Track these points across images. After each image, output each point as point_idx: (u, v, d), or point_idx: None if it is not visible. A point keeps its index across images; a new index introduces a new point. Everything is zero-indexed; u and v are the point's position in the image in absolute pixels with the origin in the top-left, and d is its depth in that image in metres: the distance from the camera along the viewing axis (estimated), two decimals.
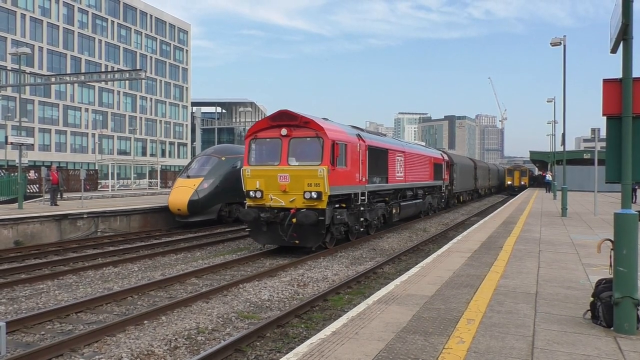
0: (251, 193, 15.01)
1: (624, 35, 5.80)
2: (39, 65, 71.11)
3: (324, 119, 16.33)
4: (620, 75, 5.96)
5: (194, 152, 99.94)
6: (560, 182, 35.49)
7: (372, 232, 19.12)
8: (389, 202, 20.30)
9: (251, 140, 15.40)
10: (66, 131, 77.27)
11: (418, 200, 24.72)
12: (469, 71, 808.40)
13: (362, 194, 16.76)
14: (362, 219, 17.20)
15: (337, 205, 15.42)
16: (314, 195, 14.22)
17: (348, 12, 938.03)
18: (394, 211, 20.67)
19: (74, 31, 77.57)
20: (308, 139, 14.68)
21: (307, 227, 14.43)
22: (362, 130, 18.65)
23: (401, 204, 21.76)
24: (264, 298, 10.23)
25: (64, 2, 75.75)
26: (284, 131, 14.71)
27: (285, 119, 14.90)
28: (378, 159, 18.48)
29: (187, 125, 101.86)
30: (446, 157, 32.10)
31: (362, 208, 16.95)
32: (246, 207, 15.27)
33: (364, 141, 17.11)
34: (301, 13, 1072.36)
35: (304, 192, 14.32)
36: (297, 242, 14.82)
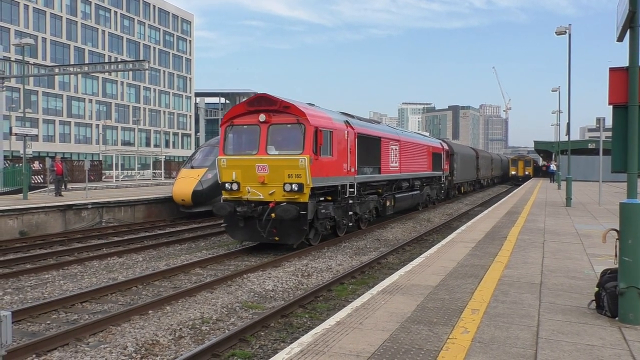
0: (227, 185, 13.84)
1: (630, 23, 5.75)
2: (42, 56, 71.09)
3: (309, 104, 15.07)
4: (626, 64, 5.91)
5: (198, 142, 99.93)
6: (564, 172, 35.38)
7: (363, 226, 18.09)
8: (382, 194, 19.17)
9: (227, 127, 14.19)
10: (70, 122, 77.38)
11: (415, 192, 23.66)
12: (473, 61, 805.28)
13: (351, 186, 15.64)
14: (351, 213, 16.12)
15: (322, 199, 14.38)
16: (295, 187, 13.05)
17: (349, 2, 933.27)
18: (387, 204, 19.58)
19: (77, 22, 77.45)
20: (288, 125, 13.50)
21: (288, 223, 13.27)
22: (352, 116, 17.33)
23: (396, 195, 20.65)
24: (268, 288, 10.26)
25: None
26: (262, 117, 13.51)
27: (264, 104, 13.66)
28: (369, 147, 17.35)
29: (190, 115, 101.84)
30: (446, 147, 31.23)
31: (350, 201, 15.92)
32: (222, 200, 14.13)
33: (353, 128, 15.90)
34: (302, 3, 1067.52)
35: (284, 184, 13.17)
36: (276, 238, 13.69)
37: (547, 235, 13.14)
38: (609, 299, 6.12)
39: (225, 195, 14.09)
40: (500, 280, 8.04)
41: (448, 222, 21.55)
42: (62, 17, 75.14)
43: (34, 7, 71.07)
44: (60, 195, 24.10)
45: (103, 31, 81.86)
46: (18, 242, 16.14)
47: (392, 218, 21.72)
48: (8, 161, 35.05)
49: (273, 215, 13.17)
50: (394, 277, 8.40)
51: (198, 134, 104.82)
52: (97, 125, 79.38)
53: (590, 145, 51.21)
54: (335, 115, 15.77)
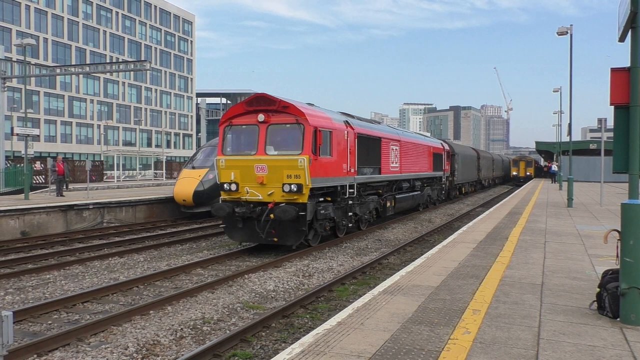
0: (225, 186, 13.71)
1: (632, 24, 5.75)
2: (44, 57, 71.14)
3: (308, 104, 14.97)
4: (628, 64, 5.91)
5: (199, 143, 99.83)
6: (566, 172, 35.35)
7: (363, 227, 17.92)
8: (382, 195, 19.05)
9: (226, 127, 14.07)
10: (72, 122, 77.43)
11: (415, 193, 23.58)
12: (474, 61, 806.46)
13: (351, 187, 15.52)
14: (350, 214, 15.98)
15: (321, 199, 14.26)
16: (294, 188, 12.93)
17: (351, 3, 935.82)
18: (388, 204, 19.43)
19: (78, 22, 77.52)
20: (287, 125, 13.38)
21: (287, 224, 13.15)
22: (351, 116, 17.21)
23: (396, 196, 20.53)
24: (269, 288, 10.26)
25: None
26: (261, 117, 13.37)
27: (263, 104, 13.54)
28: (369, 148, 17.23)
29: (192, 116, 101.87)
30: (447, 147, 31.10)
31: (350, 202, 15.76)
32: (220, 201, 14.05)
33: (353, 128, 15.75)
34: (303, 4, 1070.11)
35: (283, 184, 13.04)
36: (275, 239, 13.57)
37: (548, 236, 13.12)
38: (611, 300, 6.11)
39: (223, 196, 13.98)
40: (501, 281, 8.04)
41: (449, 223, 21.53)
42: (63, 17, 75.18)
43: (35, 8, 71.12)
44: (62, 195, 24.12)
45: (104, 31, 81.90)
46: (19, 242, 16.16)
47: (392, 219, 21.70)
48: (10, 161, 35.08)
49: (272, 216, 13.04)
50: (395, 277, 8.40)
51: (199, 134, 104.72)
52: (99, 126, 79.41)
53: (592, 146, 51.13)
54: (335, 115, 15.67)
